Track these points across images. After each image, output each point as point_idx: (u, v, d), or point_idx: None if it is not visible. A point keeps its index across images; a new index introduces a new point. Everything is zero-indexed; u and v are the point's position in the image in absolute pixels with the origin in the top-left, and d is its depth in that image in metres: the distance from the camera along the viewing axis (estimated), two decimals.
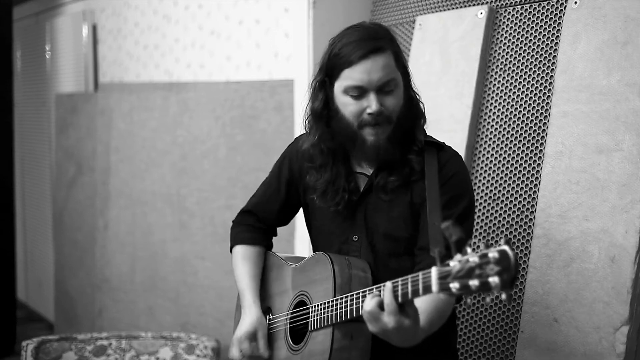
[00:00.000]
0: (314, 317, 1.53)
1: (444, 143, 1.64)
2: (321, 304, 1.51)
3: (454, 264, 1.14)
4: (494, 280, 1.08)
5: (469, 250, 1.12)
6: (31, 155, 4.91)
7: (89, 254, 3.73)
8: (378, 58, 1.51)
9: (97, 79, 3.82)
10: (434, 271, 1.18)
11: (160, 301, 3.27)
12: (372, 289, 1.36)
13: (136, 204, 3.39)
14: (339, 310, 1.44)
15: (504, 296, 1.08)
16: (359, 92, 1.52)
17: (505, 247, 1.08)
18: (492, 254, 1.09)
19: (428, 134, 1.67)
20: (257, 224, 1.82)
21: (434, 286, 1.17)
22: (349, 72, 1.52)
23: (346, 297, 1.43)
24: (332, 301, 1.47)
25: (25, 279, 5.06)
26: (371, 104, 1.51)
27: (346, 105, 1.55)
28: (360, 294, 1.39)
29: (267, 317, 1.72)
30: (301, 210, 1.82)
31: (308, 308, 1.57)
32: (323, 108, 1.62)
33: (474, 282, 1.10)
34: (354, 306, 1.40)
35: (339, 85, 1.55)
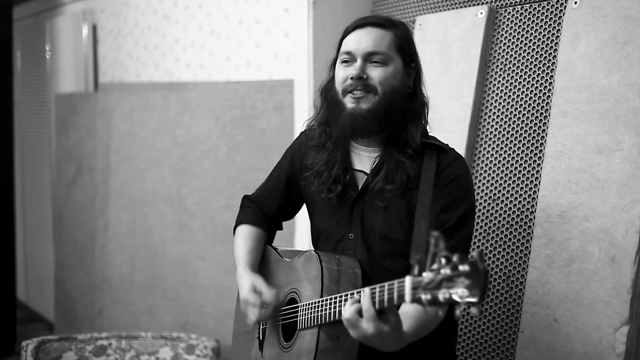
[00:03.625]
0: (302, 316, 1.53)
1: (446, 145, 1.62)
2: (309, 304, 1.51)
3: (427, 274, 1.14)
4: (463, 293, 1.08)
5: (443, 261, 1.12)
6: (31, 155, 4.91)
7: (89, 254, 3.73)
8: (373, 30, 1.56)
9: (97, 79, 3.82)
10: (407, 281, 1.18)
11: (160, 301, 3.27)
12: (353, 294, 1.35)
13: (136, 204, 3.39)
14: (324, 312, 1.44)
15: (473, 310, 1.09)
16: (349, 59, 1.57)
17: (476, 261, 1.08)
18: (463, 267, 1.09)
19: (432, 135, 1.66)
20: (260, 211, 1.84)
21: (407, 296, 1.17)
22: (345, 41, 1.59)
23: (332, 298, 1.43)
24: (319, 302, 1.47)
25: (25, 279, 5.06)
26: (354, 68, 1.54)
27: (337, 73, 1.60)
28: (345, 297, 1.39)
29: None
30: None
31: (297, 306, 1.57)
32: (328, 87, 1.65)
33: (443, 295, 1.11)
34: (339, 308, 1.40)
35: (338, 56, 1.61)
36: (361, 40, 1.55)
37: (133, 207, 3.41)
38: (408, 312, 1.41)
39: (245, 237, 1.80)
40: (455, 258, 1.10)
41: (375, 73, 1.54)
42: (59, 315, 4.14)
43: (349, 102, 1.56)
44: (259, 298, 1.62)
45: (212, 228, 3.02)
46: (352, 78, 1.54)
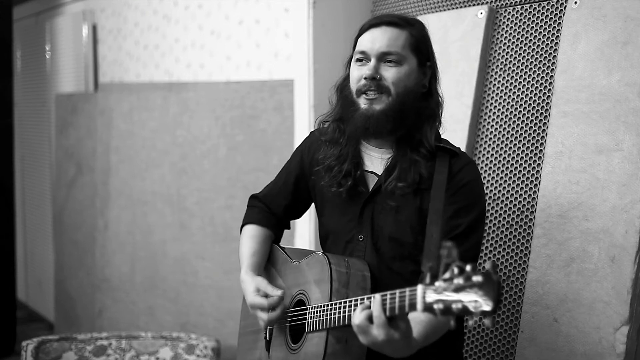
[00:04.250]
0: (311, 318, 1.52)
1: (459, 149, 1.61)
2: (317, 307, 1.50)
3: (439, 284, 1.13)
4: (476, 304, 1.08)
5: (455, 270, 1.11)
6: (31, 155, 4.91)
7: (89, 254, 3.73)
8: (388, 29, 1.55)
9: (97, 79, 3.82)
10: (419, 289, 1.17)
11: (160, 301, 3.27)
12: (364, 299, 1.35)
13: (136, 204, 3.39)
14: (333, 316, 1.44)
15: (487, 322, 1.08)
16: (363, 58, 1.56)
17: (490, 272, 1.08)
18: (476, 277, 1.09)
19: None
20: (268, 210, 1.83)
21: (419, 304, 1.17)
22: (360, 40, 1.59)
23: (341, 302, 1.42)
24: (328, 305, 1.47)
25: (25, 279, 5.06)
26: (367, 68, 1.54)
27: (352, 72, 1.59)
28: (355, 302, 1.38)
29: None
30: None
31: (306, 308, 1.56)
32: (344, 84, 1.65)
33: (456, 305, 1.10)
34: (348, 313, 1.39)
35: (353, 55, 1.60)
36: (375, 40, 1.54)
37: (133, 207, 3.41)
38: (417, 317, 1.39)
39: (250, 237, 1.79)
40: (468, 268, 1.10)
41: (389, 74, 1.53)
42: (59, 315, 4.14)
43: (362, 102, 1.55)
44: (264, 301, 1.61)
45: (212, 228, 3.02)
46: (365, 78, 1.54)
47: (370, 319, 1.29)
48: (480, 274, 1.09)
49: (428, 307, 1.15)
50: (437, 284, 1.14)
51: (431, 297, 1.14)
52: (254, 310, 1.64)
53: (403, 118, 1.55)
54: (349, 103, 1.58)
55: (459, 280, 1.10)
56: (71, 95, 3.99)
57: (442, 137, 1.66)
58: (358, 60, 1.57)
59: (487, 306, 1.07)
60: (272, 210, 1.82)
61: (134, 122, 3.40)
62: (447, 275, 1.12)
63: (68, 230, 3.99)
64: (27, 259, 5.05)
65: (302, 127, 2.56)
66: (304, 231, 2.56)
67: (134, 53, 3.48)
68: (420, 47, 1.58)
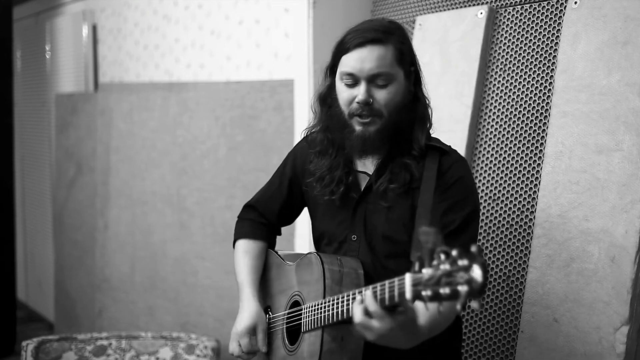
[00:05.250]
0: (306, 318, 1.53)
1: (449, 147, 1.61)
2: (312, 305, 1.51)
3: (426, 271, 1.14)
4: (462, 288, 1.09)
5: (442, 256, 1.12)
6: (31, 155, 4.91)
7: (89, 254, 3.73)
8: (374, 48, 1.51)
9: (97, 79, 3.82)
10: (407, 278, 1.18)
11: (160, 301, 3.27)
12: (355, 293, 1.36)
13: (136, 204, 3.39)
14: (328, 312, 1.44)
15: (474, 304, 1.09)
16: (352, 80, 1.53)
17: (475, 255, 1.09)
18: (462, 261, 1.09)
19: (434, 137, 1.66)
20: (260, 219, 1.83)
21: (408, 293, 1.18)
22: (345, 59, 1.54)
23: (334, 299, 1.43)
24: (322, 303, 1.47)
25: (25, 279, 5.06)
26: (359, 93, 1.52)
27: (340, 92, 1.57)
28: (347, 297, 1.39)
29: (267, 316, 1.73)
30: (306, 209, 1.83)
31: (301, 309, 1.57)
32: (327, 94, 1.63)
33: (444, 290, 1.11)
34: (341, 309, 1.40)
35: (338, 72, 1.57)
36: (364, 61, 1.50)
37: (133, 207, 3.41)
38: (422, 308, 1.39)
39: (246, 253, 1.79)
40: (454, 253, 1.11)
41: (380, 95, 1.52)
42: (59, 315, 4.14)
43: (357, 124, 1.54)
44: (249, 346, 1.66)
45: (212, 228, 3.02)
46: (358, 102, 1.52)
47: (367, 313, 1.30)
48: (465, 257, 1.09)
49: (417, 295, 1.16)
50: (424, 271, 1.15)
51: (419, 284, 1.15)
52: (234, 337, 1.69)
53: (397, 132, 1.56)
54: (341, 123, 1.57)
55: (445, 266, 1.12)
56: (71, 95, 3.99)
57: (440, 137, 1.66)
58: (345, 80, 1.54)
59: (474, 290, 1.08)
60: (264, 216, 1.82)
61: (134, 122, 3.40)
62: (434, 262, 1.14)
63: (68, 230, 3.99)
64: (27, 259, 5.05)
65: (302, 127, 2.56)
66: (303, 231, 2.56)
67: (134, 53, 3.48)
68: (404, 58, 1.55)
